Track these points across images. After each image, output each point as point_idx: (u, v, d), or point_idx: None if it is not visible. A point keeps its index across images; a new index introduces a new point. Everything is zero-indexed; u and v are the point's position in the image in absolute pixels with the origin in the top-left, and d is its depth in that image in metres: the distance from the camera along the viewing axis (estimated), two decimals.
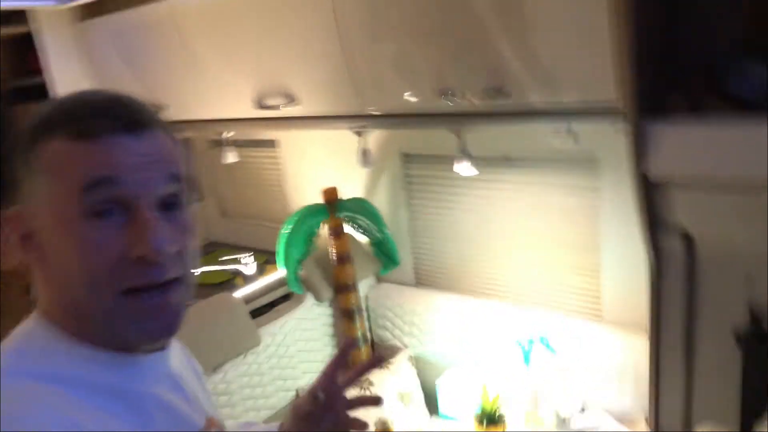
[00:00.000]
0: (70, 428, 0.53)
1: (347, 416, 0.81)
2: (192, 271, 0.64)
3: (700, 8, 1.09)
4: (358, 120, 1.51)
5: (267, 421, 1.75)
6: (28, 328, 0.62)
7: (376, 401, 0.84)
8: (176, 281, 0.61)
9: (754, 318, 1.18)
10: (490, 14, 1.15)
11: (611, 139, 1.45)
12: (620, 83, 1.01)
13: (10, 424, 0.51)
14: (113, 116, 0.57)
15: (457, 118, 1.36)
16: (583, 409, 1.58)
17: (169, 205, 0.61)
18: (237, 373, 1.70)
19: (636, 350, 1.49)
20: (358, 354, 1.97)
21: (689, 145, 1.04)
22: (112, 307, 0.58)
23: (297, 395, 1.85)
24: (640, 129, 1.04)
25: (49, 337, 0.61)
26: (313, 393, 0.79)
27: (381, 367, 0.84)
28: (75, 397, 0.57)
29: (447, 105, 1.30)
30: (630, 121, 1.03)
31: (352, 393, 0.83)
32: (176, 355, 0.75)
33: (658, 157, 1.06)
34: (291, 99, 1.56)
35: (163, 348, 0.68)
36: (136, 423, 0.61)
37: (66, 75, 2.04)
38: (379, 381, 1.82)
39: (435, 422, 1.76)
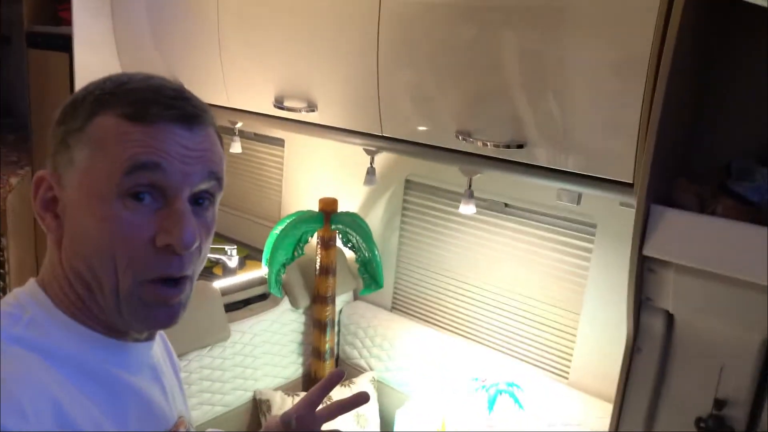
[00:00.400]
0: (38, 392, 0.53)
1: None
2: (199, 272, 0.65)
3: (725, 113, 1.15)
4: (374, 140, 1.53)
5: (219, 418, 1.74)
6: (24, 294, 0.62)
7: None
8: (188, 278, 0.62)
9: (718, 407, 1.21)
10: (525, 73, 1.19)
11: (612, 208, 1.50)
12: (638, 167, 1.05)
13: None
14: (173, 106, 0.59)
15: (469, 158, 1.38)
16: None
17: (200, 201, 0.62)
18: (200, 364, 1.69)
19: (597, 417, 1.52)
20: (321, 366, 1.97)
21: (689, 233, 1.08)
22: (125, 291, 0.59)
23: (254, 398, 1.84)
24: (648, 210, 1.07)
25: (42, 307, 0.61)
26: (286, 418, 0.77)
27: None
28: (54, 369, 0.57)
29: (462, 144, 1.33)
30: (639, 201, 1.07)
31: (327, 426, 0.81)
32: (159, 347, 0.75)
33: (658, 239, 1.10)
34: (312, 105, 1.58)
35: (149, 338, 0.69)
36: (109, 408, 0.61)
37: (89, 33, 2.04)
38: (338, 399, 1.82)
39: None
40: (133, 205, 0.57)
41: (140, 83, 0.60)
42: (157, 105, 0.58)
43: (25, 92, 2.47)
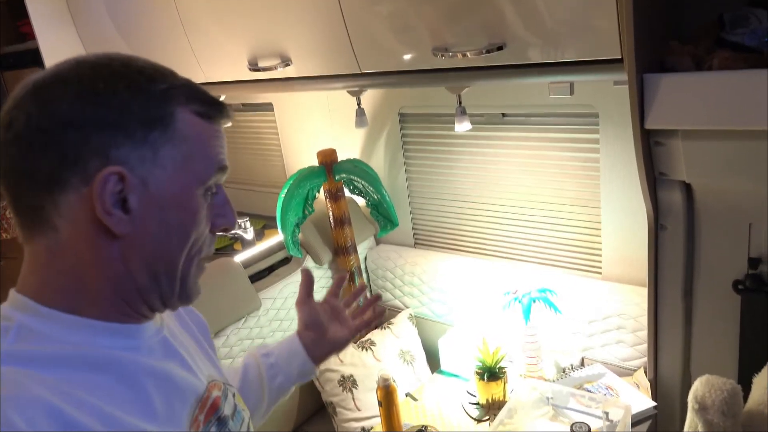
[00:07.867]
0: (32, 406, 0.51)
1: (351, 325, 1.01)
2: None
3: None
4: (354, 79, 1.49)
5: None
6: (5, 306, 0.60)
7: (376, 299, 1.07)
8: None
9: (753, 266, 1.19)
10: None
11: (609, 92, 1.44)
12: (623, 37, 0.99)
13: None
14: (222, 106, 0.65)
15: (454, 74, 1.34)
16: (582, 362, 1.60)
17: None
18: (238, 336, 1.72)
19: (635, 304, 1.51)
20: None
21: (688, 95, 1.03)
22: (186, 272, 0.65)
23: None
24: (640, 81, 1.03)
25: (28, 312, 0.59)
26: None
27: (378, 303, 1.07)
28: (49, 377, 0.54)
29: (442, 61, 1.28)
30: (630, 73, 1.02)
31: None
32: (169, 319, 0.74)
33: (658, 108, 1.05)
34: (286, 60, 1.54)
35: (152, 316, 0.68)
36: (128, 394, 0.60)
37: (55, 39, 2.00)
38: (380, 340, 1.85)
39: (437, 379, 1.79)
40: (206, 198, 0.65)
41: (188, 81, 0.63)
42: (216, 104, 0.64)
43: None
